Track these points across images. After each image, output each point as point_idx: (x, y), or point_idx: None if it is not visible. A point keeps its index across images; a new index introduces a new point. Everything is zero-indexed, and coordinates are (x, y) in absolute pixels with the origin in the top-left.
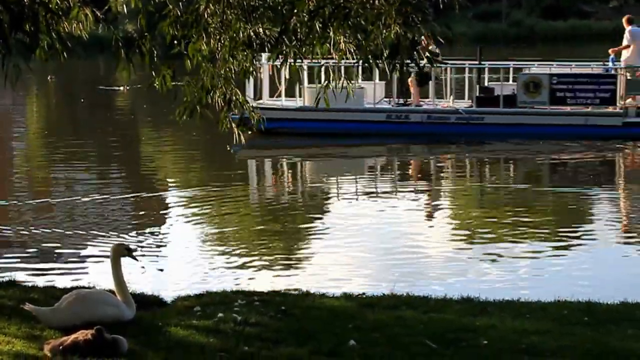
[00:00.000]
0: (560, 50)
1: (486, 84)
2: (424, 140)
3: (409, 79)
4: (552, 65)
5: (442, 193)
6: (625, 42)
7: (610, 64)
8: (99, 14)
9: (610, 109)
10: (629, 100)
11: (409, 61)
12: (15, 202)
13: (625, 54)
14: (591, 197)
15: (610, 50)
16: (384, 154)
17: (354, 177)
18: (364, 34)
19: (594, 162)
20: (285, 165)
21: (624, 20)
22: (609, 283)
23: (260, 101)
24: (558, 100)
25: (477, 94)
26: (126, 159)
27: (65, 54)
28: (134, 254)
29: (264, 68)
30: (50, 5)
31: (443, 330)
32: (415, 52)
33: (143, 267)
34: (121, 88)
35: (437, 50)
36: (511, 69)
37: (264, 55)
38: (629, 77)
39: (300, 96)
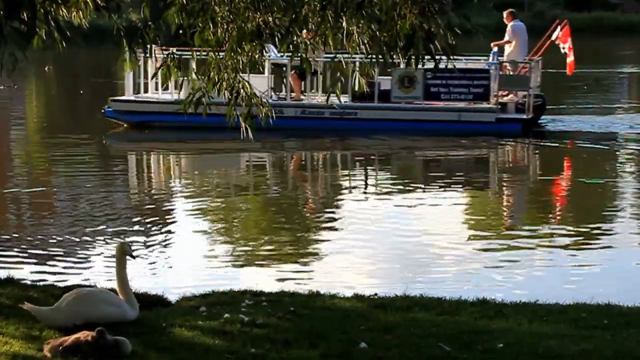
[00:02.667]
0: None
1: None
2: (298, 135)
3: (291, 73)
4: (461, 59)
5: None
6: (506, 38)
7: (491, 59)
8: (99, 2)
9: (484, 105)
10: (510, 96)
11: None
12: (13, 196)
13: (507, 49)
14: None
15: (492, 44)
16: (257, 148)
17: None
18: (378, 24)
19: (465, 159)
20: (161, 158)
21: (505, 14)
22: (629, 285)
23: (138, 95)
24: (432, 96)
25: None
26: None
27: (64, 43)
28: (136, 252)
29: (152, 60)
30: None
31: (457, 333)
32: (431, 44)
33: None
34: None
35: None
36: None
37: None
38: (511, 73)
39: (176, 89)
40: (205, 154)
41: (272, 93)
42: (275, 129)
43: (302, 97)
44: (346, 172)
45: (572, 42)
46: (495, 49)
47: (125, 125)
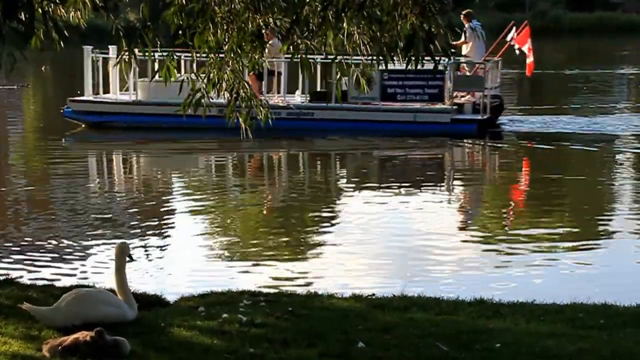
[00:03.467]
0: (585, 43)
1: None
2: (255, 135)
3: (249, 74)
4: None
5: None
6: (463, 39)
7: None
8: (98, 2)
9: (439, 106)
10: (468, 97)
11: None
12: (12, 195)
13: (465, 49)
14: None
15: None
16: (215, 148)
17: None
18: (379, 24)
19: (420, 159)
20: (120, 158)
21: (462, 15)
22: (625, 285)
23: (97, 95)
24: (389, 97)
25: (314, 90)
26: None
27: (62, 43)
28: (136, 251)
29: (112, 61)
30: None
31: (455, 333)
32: (431, 45)
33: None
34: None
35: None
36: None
37: (111, 48)
38: (468, 74)
39: (134, 90)
40: (174, 154)
41: None
42: (234, 129)
43: (260, 97)
44: (305, 171)
45: (532, 43)
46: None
47: (83, 125)
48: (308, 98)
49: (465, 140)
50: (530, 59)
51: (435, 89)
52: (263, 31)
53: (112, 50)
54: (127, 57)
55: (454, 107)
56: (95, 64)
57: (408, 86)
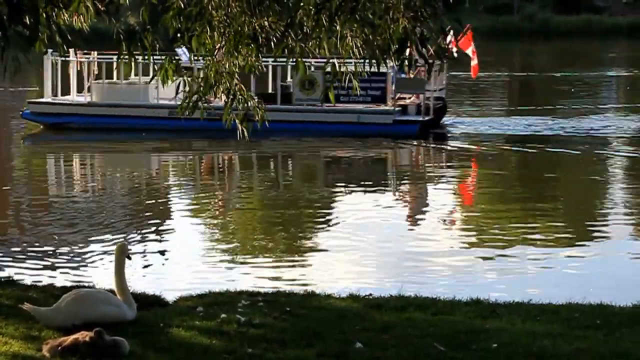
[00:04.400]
0: (575, 46)
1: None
2: (204, 136)
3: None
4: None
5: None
6: None
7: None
8: (100, 6)
9: (381, 107)
10: (413, 98)
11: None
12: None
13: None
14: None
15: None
16: (166, 148)
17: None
18: (372, 28)
19: (363, 160)
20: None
21: None
22: (620, 285)
23: (52, 97)
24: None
25: (263, 92)
26: None
27: (65, 46)
28: (135, 252)
29: (72, 64)
30: None
31: (452, 333)
32: (423, 48)
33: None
34: None
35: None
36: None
37: (71, 51)
38: (411, 76)
39: (88, 92)
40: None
41: None
42: (185, 130)
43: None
44: (252, 173)
45: (476, 46)
46: None
47: (41, 126)
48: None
49: (407, 142)
50: (474, 62)
51: (378, 90)
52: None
53: (72, 53)
54: (127, 59)
55: (398, 108)
56: (55, 67)
57: (351, 88)
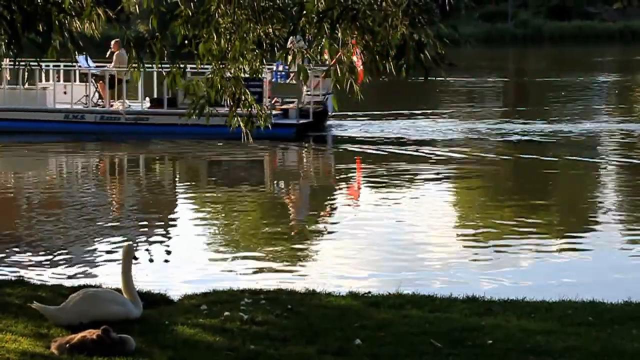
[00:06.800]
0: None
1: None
2: (97, 139)
3: (99, 82)
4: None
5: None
6: None
7: (275, 68)
8: (111, 14)
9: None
10: (294, 103)
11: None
12: (25, 198)
13: None
14: None
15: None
16: (62, 151)
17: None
18: (371, 34)
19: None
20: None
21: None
22: (613, 283)
23: None
24: (216, 102)
25: (152, 97)
26: None
27: (76, 53)
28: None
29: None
30: (64, 6)
31: (449, 330)
32: (421, 53)
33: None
34: None
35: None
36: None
37: None
38: (286, 81)
39: None
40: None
41: (89, 100)
42: (78, 132)
43: (114, 103)
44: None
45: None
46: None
47: None
48: (148, 104)
49: (287, 144)
50: (359, 67)
51: (255, 95)
52: (113, 42)
53: None
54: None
55: (279, 112)
56: None
57: None
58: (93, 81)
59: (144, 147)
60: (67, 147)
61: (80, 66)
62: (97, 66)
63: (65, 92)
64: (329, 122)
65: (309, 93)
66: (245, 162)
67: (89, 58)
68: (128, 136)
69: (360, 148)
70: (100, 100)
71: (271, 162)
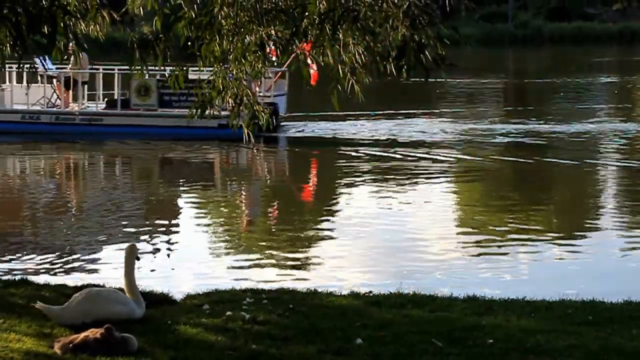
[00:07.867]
0: (567, 53)
1: None
2: (54, 139)
3: (56, 84)
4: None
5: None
6: None
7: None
8: (115, 16)
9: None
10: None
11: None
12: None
13: None
14: None
15: None
16: (18, 151)
17: None
18: (372, 35)
19: (194, 161)
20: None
21: None
22: (612, 282)
23: None
24: (165, 104)
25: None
26: None
27: (81, 55)
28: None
29: None
30: (69, 8)
31: (449, 329)
32: (421, 54)
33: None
34: None
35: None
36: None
37: None
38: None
39: None
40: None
41: (48, 101)
42: (34, 133)
43: (72, 104)
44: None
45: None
46: None
47: None
48: (104, 105)
49: (237, 145)
50: (313, 69)
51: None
52: (71, 44)
53: None
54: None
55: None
56: None
57: (182, 94)
58: (53, 83)
59: (99, 147)
60: (26, 146)
61: (36, 68)
62: (56, 68)
63: (27, 94)
64: (282, 123)
65: (260, 94)
66: (202, 162)
67: (47, 59)
68: (82, 137)
69: (364, 149)
70: (58, 101)
71: (253, 163)
